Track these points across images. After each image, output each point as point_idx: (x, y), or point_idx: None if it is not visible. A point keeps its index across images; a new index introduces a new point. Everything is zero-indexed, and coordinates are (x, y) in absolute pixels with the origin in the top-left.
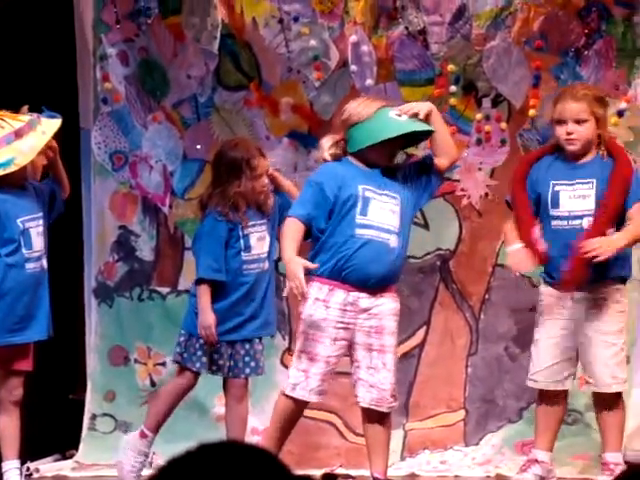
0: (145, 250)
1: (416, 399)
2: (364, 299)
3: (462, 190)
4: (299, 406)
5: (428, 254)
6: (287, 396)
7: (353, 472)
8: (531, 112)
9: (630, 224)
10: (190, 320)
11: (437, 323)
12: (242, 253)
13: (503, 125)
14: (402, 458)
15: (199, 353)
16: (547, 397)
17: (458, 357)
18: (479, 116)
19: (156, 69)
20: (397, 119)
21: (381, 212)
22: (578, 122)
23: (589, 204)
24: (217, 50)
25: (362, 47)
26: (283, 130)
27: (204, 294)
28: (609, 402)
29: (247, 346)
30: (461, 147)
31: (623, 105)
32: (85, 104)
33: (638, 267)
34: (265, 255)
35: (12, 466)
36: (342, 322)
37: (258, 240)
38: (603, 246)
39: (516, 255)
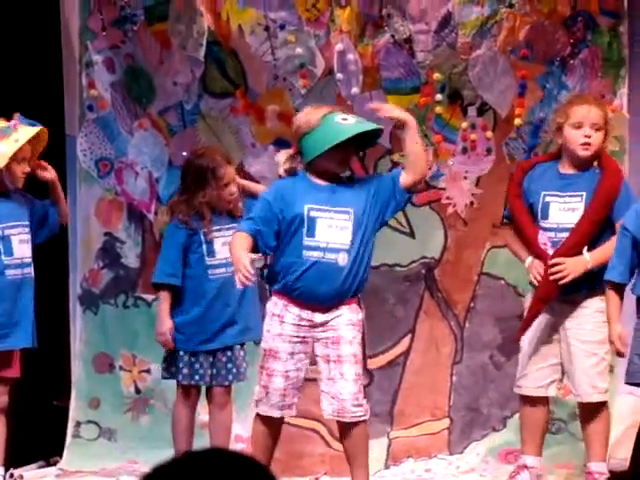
0: (130, 257)
1: (401, 407)
2: (318, 314)
3: (448, 198)
4: (268, 422)
5: (413, 262)
6: (257, 414)
7: None
8: (517, 121)
9: (604, 245)
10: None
11: (422, 331)
12: (206, 258)
13: (489, 134)
14: (386, 466)
15: (179, 364)
16: (530, 403)
17: (443, 365)
18: (465, 125)
19: (142, 76)
20: (343, 123)
21: (328, 230)
22: (595, 128)
23: (577, 217)
24: (203, 57)
25: (348, 55)
26: (269, 138)
27: (162, 300)
28: (592, 411)
29: (229, 353)
30: (446, 156)
31: (609, 114)
32: (71, 111)
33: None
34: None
35: None
36: (297, 336)
37: (224, 245)
38: (569, 268)
39: (534, 268)
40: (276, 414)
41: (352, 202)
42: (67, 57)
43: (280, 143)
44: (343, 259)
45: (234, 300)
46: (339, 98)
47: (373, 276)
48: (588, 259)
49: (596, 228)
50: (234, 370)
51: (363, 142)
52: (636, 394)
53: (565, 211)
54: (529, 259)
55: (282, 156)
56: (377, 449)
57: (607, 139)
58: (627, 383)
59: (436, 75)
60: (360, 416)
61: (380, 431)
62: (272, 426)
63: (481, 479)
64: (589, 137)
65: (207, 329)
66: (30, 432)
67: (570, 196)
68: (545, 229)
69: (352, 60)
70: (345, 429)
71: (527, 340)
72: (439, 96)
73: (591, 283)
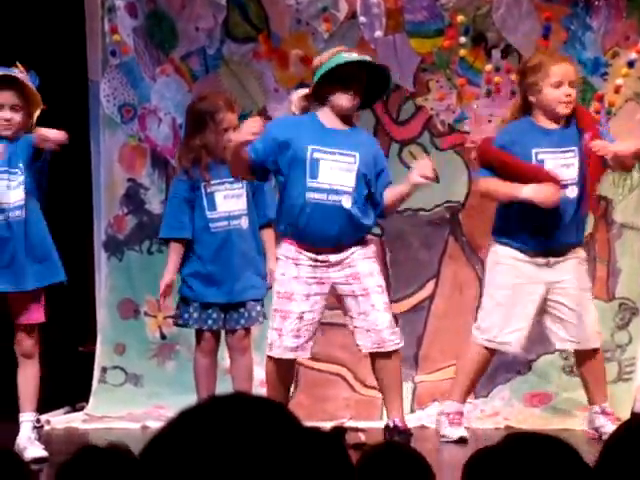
0: (154, 203)
1: (425, 351)
2: (332, 255)
3: (472, 142)
4: (282, 365)
5: (437, 206)
6: (269, 357)
7: (362, 424)
8: None
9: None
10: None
11: (446, 275)
12: (207, 212)
13: (513, 76)
14: (412, 410)
15: (190, 311)
16: (490, 353)
17: (467, 309)
18: (489, 67)
19: (164, 21)
20: (346, 56)
21: (331, 172)
22: (572, 85)
23: (572, 173)
24: (225, 2)
25: None
26: (292, 82)
27: (170, 253)
28: (595, 357)
29: (238, 307)
30: (470, 99)
31: (633, 56)
32: (93, 56)
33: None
34: (239, 213)
35: (27, 418)
36: (314, 277)
37: (225, 198)
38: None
39: (539, 191)
40: (289, 355)
41: (359, 148)
42: (89, 2)
43: (303, 87)
44: (347, 201)
45: (238, 254)
46: (362, 41)
47: (397, 221)
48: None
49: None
50: (246, 314)
51: (376, 92)
52: None
53: (560, 167)
54: (528, 187)
55: (296, 94)
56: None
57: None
58: None
59: (460, 17)
60: (397, 343)
61: (405, 375)
62: (285, 369)
63: (506, 422)
64: (569, 95)
65: (212, 283)
66: (56, 378)
67: (563, 152)
68: None
69: (375, 3)
70: (381, 360)
71: (507, 294)
72: (463, 39)
73: (576, 237)
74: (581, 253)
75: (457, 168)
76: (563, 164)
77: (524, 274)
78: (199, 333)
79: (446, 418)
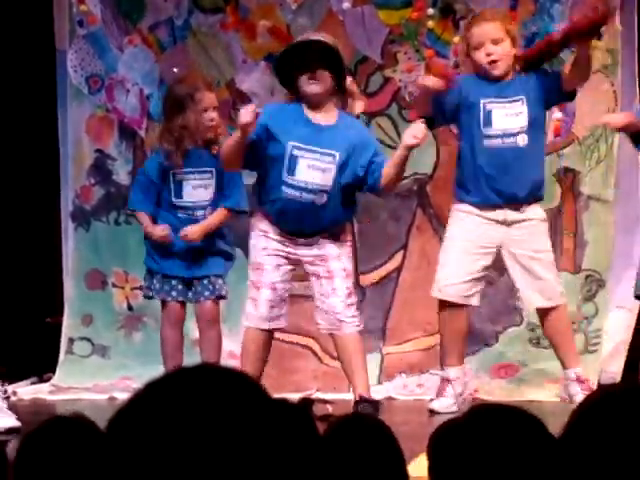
0: (122, 174)
1: (393, 323)
2: (301, 239)
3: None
4: (258, 335)
5: (405, 178)
6: (247, 327)
7: (330, 396)
8: None
9: None
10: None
11: (414, 247)
12: (173, 198)
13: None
14: (379, 382)
15: (155, 283)
16: (452, 311)
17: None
18: (457, 39)
19: None
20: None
21: (308, 171)
22: (495, 42)
23: (522, 121)
24: None
25: None
26: (260, 54)
27: (141, 221)
28: (561, 316)
29: (202, 279)
30: (438, 70)
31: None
32: (61, 26)
33: (612, 190)
34: (205, 203)
35: None
36: (283, 251)
37: (194, 188)
38: None
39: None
40: (265, 326)
41: (341, 145)
42: None
43: (271, 59)
44: (321, 199)
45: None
46: (330, 13)
47: (365, 193)
48: None
49: None
50: (210, 287)
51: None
52: (627, 308)
53: (509, 117)
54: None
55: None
56: (370, 365)
57: (515, 44)
58: (637, 296)
59: None
60: (356, 326)
61: (373, 347)
62: (262, 340)
63: (473, 394)
64: (491, 54)
65: (174, 257)
66: (23, 349)
67: (511, 101)
68: (490, 137)
69: None
70: (341, 343)
71: (457, 247)
72: (431, 10)
73: (535, 194)
74: (539, 211)
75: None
76: (511, 113)
77: (477, 229)
78: (164, 304)
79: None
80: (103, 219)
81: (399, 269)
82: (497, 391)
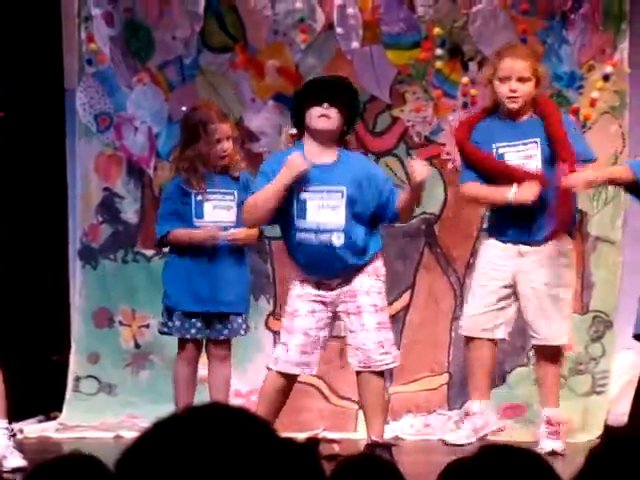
0: (129, 212)
1: (400, 362)
2: (334, 281)
3: (447, 154)
4: (283, 380)
5: (413, 218)
6: (272, 371)
7: (336, 435)
8: None
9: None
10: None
11: (422, 287)
12: (193, 219)
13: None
14: (386, 422)
15: (174, 319)
16: (476, 345)
17: (442, 321)
18: (465, 80)
19: (141, 30)
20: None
21: (319, 212)
22: (521, 80)
23: (535, 163)
24: (202, 11)
25: (348, 9)
26: (269, 93)
27: (181, 235)
28: (556, 356)
29: (221, 317)
30: (446, 111)
31: (609, 69)
32: (70, 65)
33: (620, 231)
34: (227, 225)
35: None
36: (318, 295)
37: (215, 208)
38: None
39: (522, 191)
40: (294, 371)
41: (346, 180)
42: (66, 10)
43: (280, 98)
44: (337, 238)
45: (223, 266)
46: (338, 53)
47: None
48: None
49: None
50: (229, 325)
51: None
52: (634, 349)
53: (522, 159)
54: (514, 188)
55: (284, 132)
56: None
57: (539, 86)
58: (635, 335)
59: (436, 30)
60: (388, 363)
61: None
62: (285, 384)
63: (479, 434)
64: (515, 91)
65: (195, 291)
66: (30, 387)
67: (523, 144)
68: None
69: (352, 14)
70: (365, 379)
71: (477, 283)
72: (439, 51)
73: (550, 226)
74: (558, 245)
75: (433, 180)
76: (524, 156)
77: (496, 266)
78: (182, 342)
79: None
80: (111, 257)
81: (406, 308)
82: (505, 431)
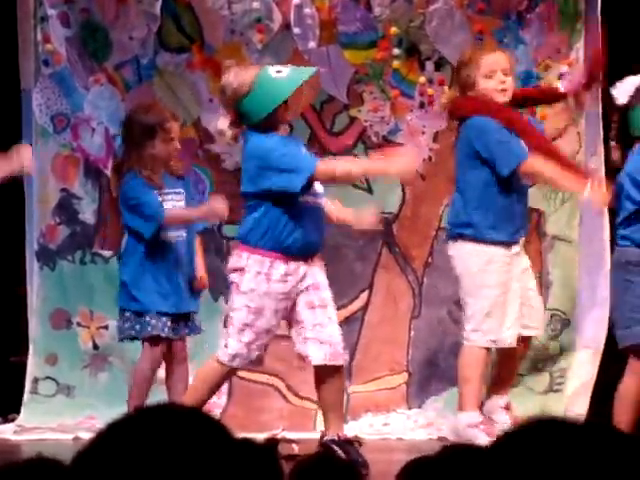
0: (87, 213)
1: (359, 362)
2: (303, 266)
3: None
4: (230, 374)
5: None
6: (222, 363)
7: (295, 435)
8: None
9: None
10: (124, 294)
11: (380, 286)
12: None
13: (446, 88)
14: (345, 421)
15: (146, 319)
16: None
17: (401, 320)
18: (422, 79)
19: (98, 31)
20: (280, 77)
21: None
22: (505, 73)
23: None
24: (159, 12)
25: (305, 9)
26: None
27: (182, 213)
28: (527, 346)
29: (186, 316)
30: (404, 111)
31: (564, 69)
32: (26, 65)
33: (577, 230)
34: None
35: None
36: (284, 293)
37: (173, 207)
38: None
39: (596, 194)
40: (248, 366)
41: None
42: (21, 11)
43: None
44: (325, 201)
45: (183, 265)
46: (296, 52)
47: (332, 232)
48: None
49: None
50: (190, 324)
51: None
52: (592, 347)
53: None
54: (588, 186)
55: (223, 124)
56: None
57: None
58: (624, 348)
59: (393, 29)
60: (347, 359)
61: None
62: (229, 377)
63: (439, 433)
64: (504, 82)
65: (165, 292)
66: None
67: None
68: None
69: (309, 14)
70: (331, 375)
71: (501, 292)
72: (396, 50)
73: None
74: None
75: (391, 180)
76: None
77: (509, 270)
78: (153, 341)
79: (480, 430)
80: (69, 258)
81: (365, 308)
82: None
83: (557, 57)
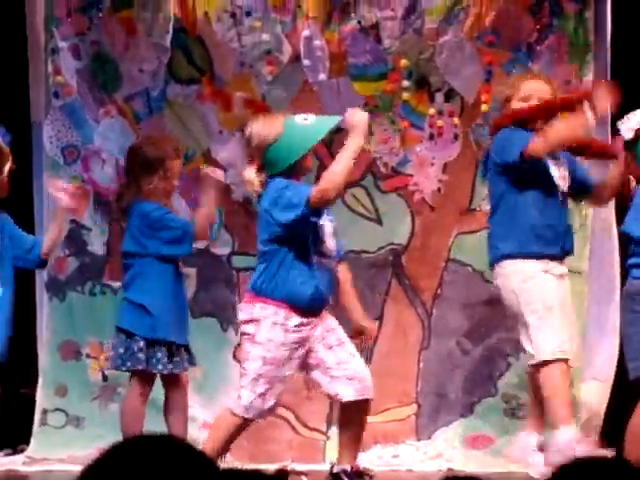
0: (96, 244)
1: None
2: (314, 318)
3: (415, 185)
4: (248, 424)
5: (381, 249)
6: (236, 415)
7: (305, 467)
8: (483, 107)
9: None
10: (129, 317)
11: (389, 318)
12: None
13: (456, 120)
14: None
15: (157, 353)
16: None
17: (410, 351)
18: (432, 111)
19: (108, 63)
20: (307, 124)
21: (330, 236)
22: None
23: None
24: (169, 44)
25: (315, 41)
26: (236, 124)
27: (203, 225)
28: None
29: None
30: (413, 142)
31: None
32: (36, 97)
33: (587, 261)
34: None
35: None
36: (298, 342)
37: None
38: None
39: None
40: (263, 415)
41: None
42: (32, 43)
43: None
44: (335, 263)
45: (183, 294)
46: (305, 84)
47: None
48: None
49: None
50: (186, 355)
51: None
52: (601, 379)
53: (562, 178)
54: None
55: (251, 173)
56: None
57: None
58: (635, 379)
59: (403, 61)
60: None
61: None
62: (246, 428)
63: (448, 464)
64: None
65: (176, 321)
66: None
67: (561, 157)
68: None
69: (319, 46)
70: (355, 409)
71: (556, 305)
72: (406, 82)
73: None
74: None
75: (400, 211)
76: (563, 175)
77: (557, 282)
78: (146, 376)
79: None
80: (78, 289)
81: (374, 339)
82: (472, 462)
83: (566, 89)
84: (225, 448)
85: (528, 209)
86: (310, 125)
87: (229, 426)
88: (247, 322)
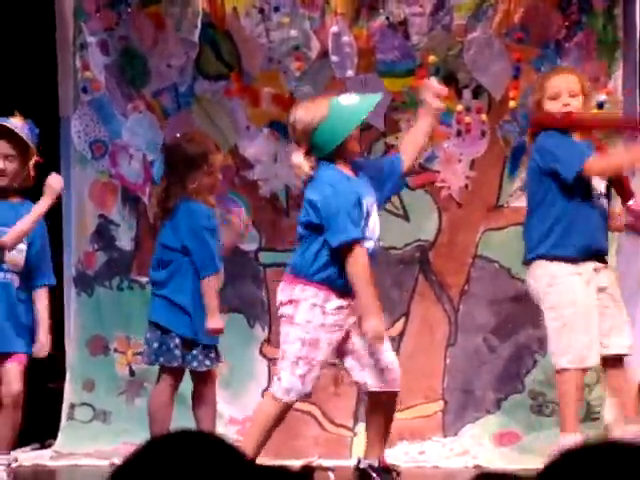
0: (124, 240)
1: None
2: (352, 301)
3: (442, 181)
4: (287, 409)
5: (408, 245)
6: (276, 399)
7: (331, 462)
8: (511, 104)
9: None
10: (165, 314)
11: (416, 314)
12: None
13: (483, 117)
14: None
15: (193, 352)
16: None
17: (437, 348)
18: (459, 107)
19: (136, 58)
20: (351, 102)
21: (376, 224)
22: (572, 95)
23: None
24: (197, 39)
25: (343, 37)
26: (264, 120)
27: (211, 288)
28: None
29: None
30: (441, 138)
31: (603, 97)
32: (65, 92)
33: (615, 258)
34: None
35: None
36: (338, 325)
37: None
38: None
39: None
40: (301, 398)
41: (372, 189)
42: (61, 39)
43: (275, 126)
44: (378, 246)
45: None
46: (333, 81)
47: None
48: None
49: None
50: (211, 355)
51: None
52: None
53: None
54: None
55: (299, 157)
56: None
57: (587, 104)
58: None
59: (431, 58)
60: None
61: None
62: (287, 412)
63: (475, 461)
64: (567, 105)
65: (199, 320)
66: (25, 415)
67: None
68: (593, 195)
69: (347, 42)
70: (383, 401)
71: (581, 311)
72: (434, 79)
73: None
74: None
75: (427, 207)
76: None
77: (584, 286)
78: (176, 371)
79: None
80: (106, 284)
81: (401, 335)
82: (499, 459)
83: (595, 86)
84: (267, 436)
85: (568, 212)
86: (354, 103)
87: (271, 412)
88: (286, 303)
